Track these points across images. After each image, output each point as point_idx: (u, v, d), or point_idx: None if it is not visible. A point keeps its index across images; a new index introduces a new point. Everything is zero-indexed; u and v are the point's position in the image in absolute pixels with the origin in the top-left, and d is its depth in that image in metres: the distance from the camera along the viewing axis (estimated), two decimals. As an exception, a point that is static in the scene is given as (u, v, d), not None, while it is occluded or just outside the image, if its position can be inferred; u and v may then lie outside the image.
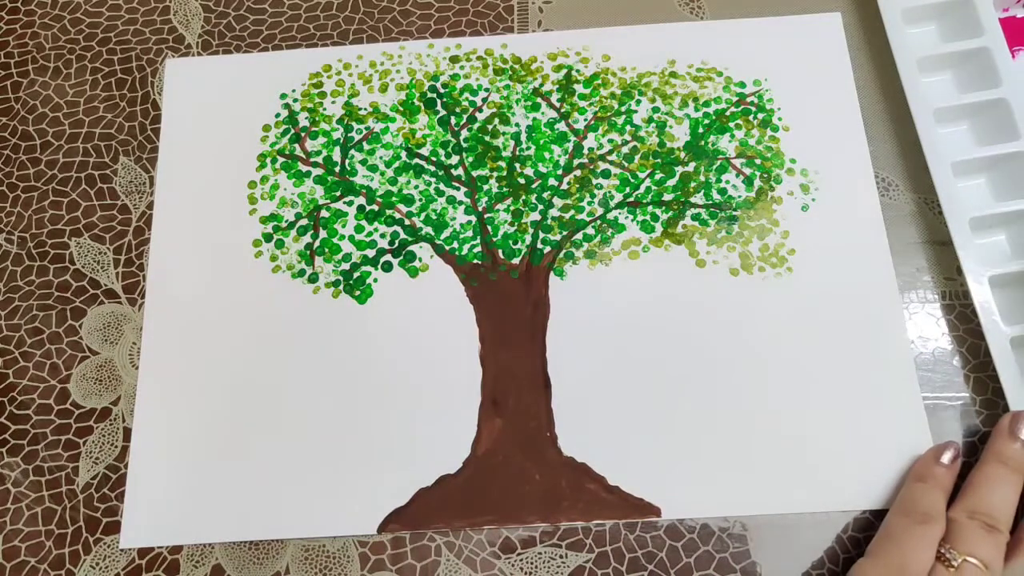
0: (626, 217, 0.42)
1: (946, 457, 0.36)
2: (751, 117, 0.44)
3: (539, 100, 0.45)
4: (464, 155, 0.44)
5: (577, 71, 0.45)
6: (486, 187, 0.43)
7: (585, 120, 0.44)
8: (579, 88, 0.45)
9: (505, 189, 0.43)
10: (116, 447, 0.39)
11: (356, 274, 0.42)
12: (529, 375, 0.40)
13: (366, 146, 0.44)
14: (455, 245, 0.42)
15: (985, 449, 0.36)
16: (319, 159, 0.44)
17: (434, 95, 0.45)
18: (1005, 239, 0.40)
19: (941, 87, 0.44)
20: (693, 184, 0.43)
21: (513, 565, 0.37)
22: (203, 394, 0.40)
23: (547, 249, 0.42)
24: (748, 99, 0.44)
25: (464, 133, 0.44)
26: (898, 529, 0.34)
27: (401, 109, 0.45)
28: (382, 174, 0.44)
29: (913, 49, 0.42)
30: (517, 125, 0.44)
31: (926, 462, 0.36)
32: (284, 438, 0.39)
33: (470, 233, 0.42)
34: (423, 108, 0.45)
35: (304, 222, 0.43)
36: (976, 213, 0.39)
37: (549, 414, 0.39)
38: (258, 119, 0.45)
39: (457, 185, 0.43)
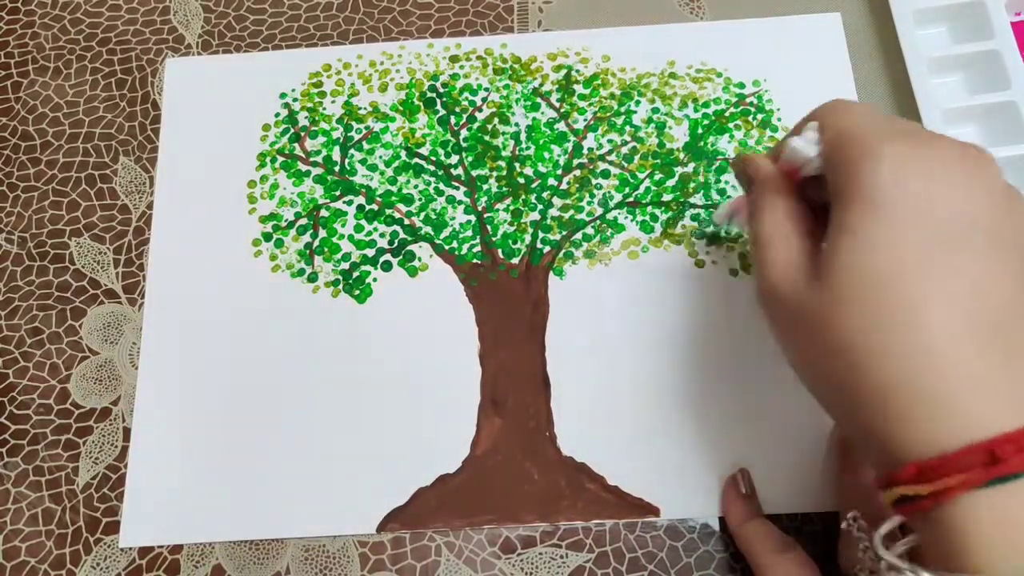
0: (625, 217, 0.42)
1: None
2: (750, 118, 0.44)
3: (539, 100, 0.45)
4: (464, 155, 0.44)
5: (577, 71, 0.45)
6: (486, 187, 0.43)
7: (585, 120, 0.44)
8: (579, 88, 0.45)
9: (505, 189, 0.43)
10: (116, 447, 0.39)
11: (355, 273, 0.42)
12: (528, 375, 0.40)
13: (366, 145, 0.44)
14: (455, 245, 0.42)
15: None
16: (319, 159, 0.44)
17: (434, 95, 0.45)
18: None
19: (951, 89, 0.44)
20: (692, 185, 0.43)
21: (513, 565, 0.37)
22: (203, 394, 0.40)
23: (547, 249, 0.42)
24: (747, 100, 0.44)
25: (464, 133, 0.44)
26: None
27: (401, 109, 0.45)
28: (382, 174, 0.44)
29: (924, 50, 0.42)
30: (517, 125, 0.44)
31: None
32: (284, 438, 0.39)
33: (470, 233, 0.42)
34: (423, 108, 0.45)
35: (304, 221, 0.43)
36: None
37: (548, 414, 0.39)
38: (258, 119, 0.45)
39: (457, 185, 0.43)
